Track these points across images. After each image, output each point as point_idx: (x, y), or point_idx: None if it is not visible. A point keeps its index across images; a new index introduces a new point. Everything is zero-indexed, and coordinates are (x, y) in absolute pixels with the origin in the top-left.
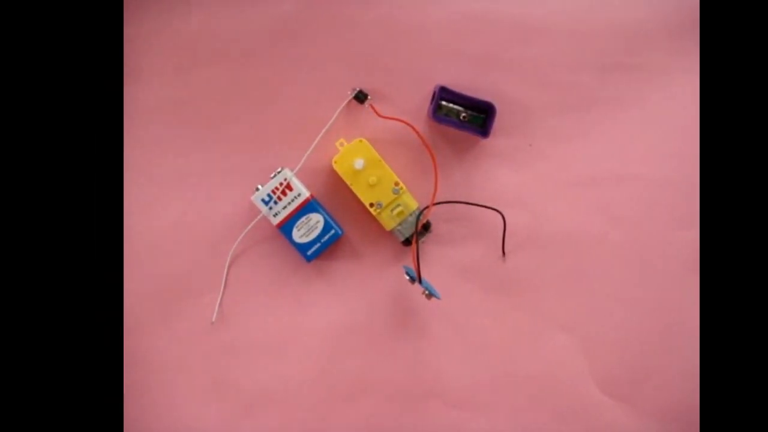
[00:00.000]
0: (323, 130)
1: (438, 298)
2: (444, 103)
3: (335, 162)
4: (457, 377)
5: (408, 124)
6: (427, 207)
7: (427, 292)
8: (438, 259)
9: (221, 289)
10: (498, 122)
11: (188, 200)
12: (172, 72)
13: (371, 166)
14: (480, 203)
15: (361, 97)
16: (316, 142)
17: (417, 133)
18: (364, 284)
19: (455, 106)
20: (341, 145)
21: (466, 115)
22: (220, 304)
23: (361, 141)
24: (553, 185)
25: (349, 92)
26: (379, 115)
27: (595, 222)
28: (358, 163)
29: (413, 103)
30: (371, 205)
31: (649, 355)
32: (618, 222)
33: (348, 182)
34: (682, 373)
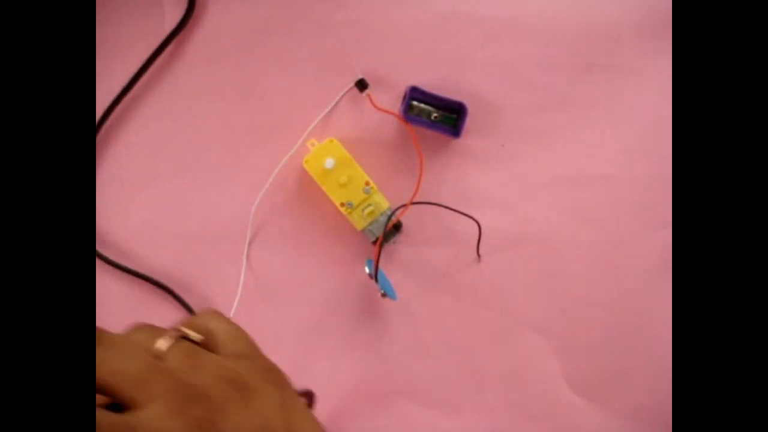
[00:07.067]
0: (318, 119)
1: (393, 299)
2: (415, 103)
3: (306, 161)
4: (429, 377)
5: (401, 119)
6: (399, 207)
7: (382, 291)
8: (409, 260)
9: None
10: (470, 123)
11: (160, 200)
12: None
13: (342, 166)
14: (455, 207)
15: (361, 85)
16: (310, 128)
17: (408, 129)
18: (334, 284)
19: (426, 106)
20: (312, 145)
21: (438, 115)
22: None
23: (331, 141)
24: (526, 186)
25: (350, 79)
26: (376, 107)
27: (567, 222)
28: (329, 162)
29: (385, 103)
30: (342, 204)
31: (622, 355)
32: (590, 222)
33: (319, 182)
34: (654, 374)
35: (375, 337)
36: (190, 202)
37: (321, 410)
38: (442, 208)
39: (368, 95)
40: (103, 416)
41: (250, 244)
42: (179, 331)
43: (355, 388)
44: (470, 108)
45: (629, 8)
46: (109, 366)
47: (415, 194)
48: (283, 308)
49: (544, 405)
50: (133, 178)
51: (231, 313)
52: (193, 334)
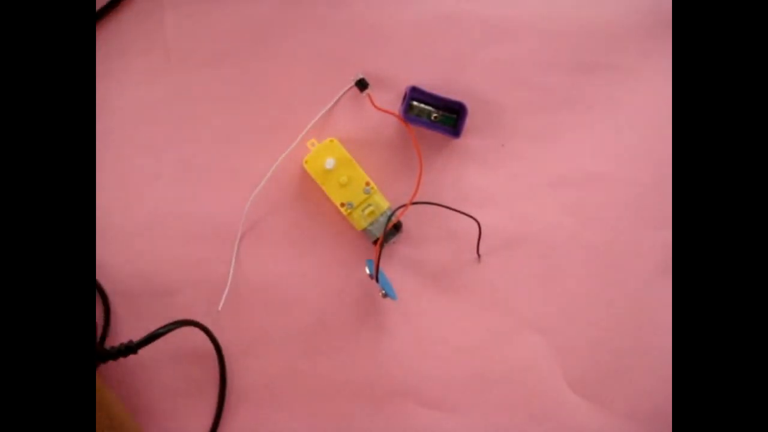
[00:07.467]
0: (318, 116)
1: (393, 298)
2: (415, 103)
3: (306, 162)
4: (430, 378)
5: (401, 119)
6: (399, 207)
7: (382, 291)
8: (409, 260)
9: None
10: (470, 123)
11: (159, 200)
12: (144, 73)
13: (342, 166)
14: (454, 207)
15: (361, 84)
16: (308, 127)
17: (408, 129)
18: (334, 284)
19: (426, 107)
20: (312, 145)
21: (438, 116)
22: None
23: (332, 141)
24: (526, 186)
25: (351, 78)
26: (376, 107)
27: (567, 223)
28: (329, 162)
29: (385, 103)
30: (342, 204)
31: (622, 355)
32: (591, 222)
33: (319, 182)
34: (654, 374)
35: (375, 337)
36: (188, 202)
37: (321, 410)
38: (442, 208)
39: (368, 95)
40: None
41: (249, 243)
42: None
43: (355, 388)
44: (470, 108)
45: (629, 8)
46: None
47: (415, 194)
48: (283, 308)
49: (545, 405)
50: (132, 178)
51: (219, 307)
52: None
